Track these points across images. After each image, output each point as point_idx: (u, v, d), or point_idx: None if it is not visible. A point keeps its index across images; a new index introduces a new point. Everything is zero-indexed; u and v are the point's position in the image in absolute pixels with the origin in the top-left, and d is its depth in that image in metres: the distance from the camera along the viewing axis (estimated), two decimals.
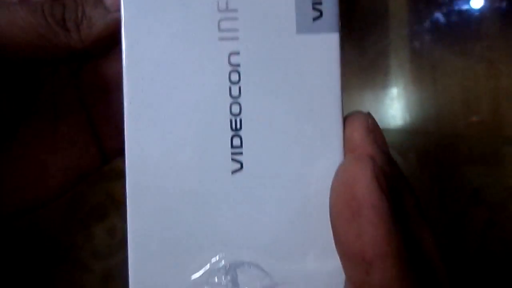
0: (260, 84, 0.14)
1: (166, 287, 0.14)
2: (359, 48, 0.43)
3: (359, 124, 0.13)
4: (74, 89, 0.18)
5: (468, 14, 0.44)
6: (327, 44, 0.14)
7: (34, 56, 0.15)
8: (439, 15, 0.45)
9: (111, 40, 0.15)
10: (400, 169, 0.13)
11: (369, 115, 0.13)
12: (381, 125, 0.13)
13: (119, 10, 0.14)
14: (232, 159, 0.14)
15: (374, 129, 0.13)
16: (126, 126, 0.14)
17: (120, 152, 0.18)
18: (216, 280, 0.14)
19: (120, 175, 0.14)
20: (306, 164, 0.14)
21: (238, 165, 0.14)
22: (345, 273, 0.12)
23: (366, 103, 0.43)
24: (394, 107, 0.43)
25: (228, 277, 0.14)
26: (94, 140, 0.18)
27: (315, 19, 0.14)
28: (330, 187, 0.13)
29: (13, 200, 0.16)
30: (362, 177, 0.11)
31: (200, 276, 0.14)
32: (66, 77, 0.18)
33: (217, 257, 0.14)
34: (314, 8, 0.14)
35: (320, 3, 0.14)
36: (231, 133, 0.14)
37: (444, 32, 0.44)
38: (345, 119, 0.14)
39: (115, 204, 0.39)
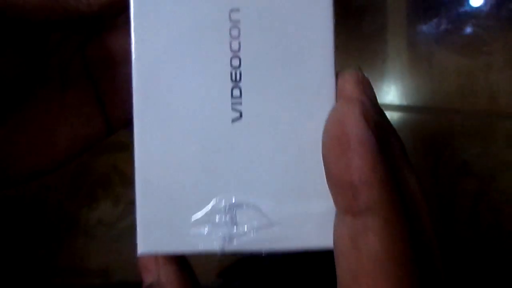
0: (258, 39, 0.15)
1: (169, 228, 0.15)
2: (357, 37, 0.43)
3: (350, 76, 0.14)
4: (81, 61, 0.18)
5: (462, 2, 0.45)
6: (321, 1, 0.15)
7: (43, 18, 0.16)
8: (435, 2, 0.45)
9: (118, 7, 0.16)
10: (387, 118, 0.14)
11: (359, 69, 0.14)
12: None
13: None
14: (232, 109, 0.15)
15: (363, 81, 0.14)
16: (134, 70, 0.15)
17: (125, 122, 0.19)
18: (216, 219, 0.15)
19: (124, 147, 0.15)
20: (301, 113, 0.15)
21: (238, 114, 0.15)
22: (335, 202, 0.13)
23: None
24: (392, 92, 0.44)
25: (228, 217, 0.15)
26: (100, 110, 0.18)
27: None
28: (323, 132, 0.14)
29: (21, 166, 0.17)
30: (351, 115, 0.12)
31: (201, 217, 0.15)
32: (74, 49, 0.18)
33: (218, 199, 0.15)
34: None
35: None
36: (231, 84, 0.15)
37: (439, 17, 0.44)
38: (337, 75, 0.15)
39: (120, 175, 0.40)
